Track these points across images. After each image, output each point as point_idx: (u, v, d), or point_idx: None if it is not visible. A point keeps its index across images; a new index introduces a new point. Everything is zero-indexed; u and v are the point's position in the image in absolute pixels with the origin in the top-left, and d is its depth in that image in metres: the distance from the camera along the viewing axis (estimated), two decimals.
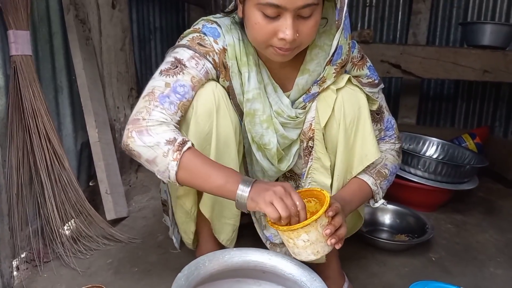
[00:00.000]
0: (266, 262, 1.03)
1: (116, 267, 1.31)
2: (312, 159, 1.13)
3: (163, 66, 1.04)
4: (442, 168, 1.61)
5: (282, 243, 1.23)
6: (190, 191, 1.13)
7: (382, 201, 1.17)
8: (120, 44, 1.74)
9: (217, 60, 1.05)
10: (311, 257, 0.93)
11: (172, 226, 1.34)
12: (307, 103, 1.12)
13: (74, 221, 1.43)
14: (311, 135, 1.12)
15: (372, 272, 1.33)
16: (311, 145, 1.12)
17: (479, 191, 1.86)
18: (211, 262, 0.99)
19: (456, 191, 1.68)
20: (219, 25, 1.06)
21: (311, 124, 1.12)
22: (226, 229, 1.18)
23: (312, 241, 0.91)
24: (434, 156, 1.86)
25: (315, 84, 1.09)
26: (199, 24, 1.08)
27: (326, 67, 1.06)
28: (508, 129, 2.82)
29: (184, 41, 1.06)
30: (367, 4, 2.87)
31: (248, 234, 1.37)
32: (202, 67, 1.04)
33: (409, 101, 2.74)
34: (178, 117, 1.01)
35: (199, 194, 1.15)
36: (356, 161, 1.11)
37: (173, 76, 1.01)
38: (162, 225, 1.46)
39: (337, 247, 0.94)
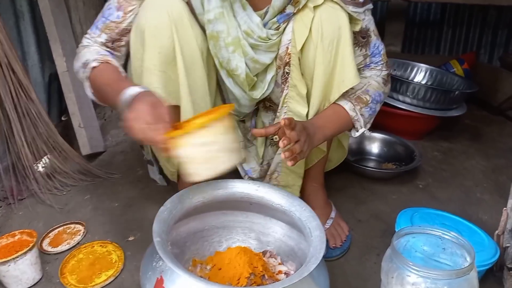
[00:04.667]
0: (253, 193, 0.98)
1: (95, 203, 1.26)
2: (288, 86, 1.04)
3: None
4: (432, 94, 1.56)
5: (261, 178, 1.18)
6: None
7: (363, 129, 1.08)
8: None
9: None
10: (214, 169, 0.81)
11: (153, 164, 1.27)
12: (281, 24, 1.01)
13: (48, 157, 1.35)
14: (288, 60, 1.02)
15: (360, 200, 1.32)
16: (287, 71, 1.03)
17: (465, 117, 1.83)
18: (195, 194, 0.93)
19: (443, 118, 1.64)
20: None
21: (287, 47, 1.02)
22: None
23: (216, 146, 0.80)
24: (423, 83, 1.80)
25: (290, 3, 0.99)
26: None
27: None
28: (493, 55, 2.77)
29: None
30: None
31: None
32: None
33: (394, 28, 2.63)
34: (102, 39, 1.02)
35: None
36: (334, 87, 1.02)
37: (106, 2, 1.02)
38: (141, 160, 1.38)
39: (289, 164, 0.88)
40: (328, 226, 1.14)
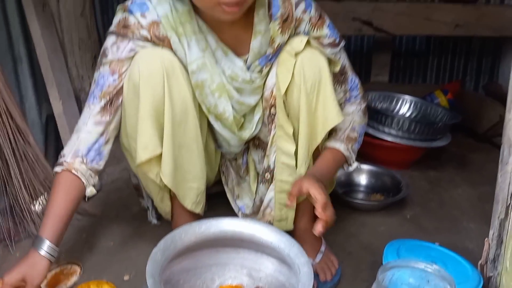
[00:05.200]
0: (244, 231, 1.02)
1: (91, 242, 1.28)
2: (274, 127, 1.11)
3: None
4: (415, 126, 1.62)
5: (254, 214, 1.22)
6: (152, 160, 1.08)
7: (355, 164, 1.18)
8: (80, 9, 1.64)
9: (147, 35, 1.01)
10: None
11: (148, 206, 1.31)
12: (264, 67, 1.09)
13: (44, 198, 1.38)
14: (273, 102, 1.10)
15: (349, 233, 1.35)
16: (273, 112, 1.10)
17: (452, 146, 1.88)
18: (187, 234, 0.97)
19: (428, 148, 1.69)
20: None
21: (272, 90, 1.09)
22: (190, 193, 1.15)
23: None
24: (408, 114, 1.86)
25: (267, 45, 1.07)
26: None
27: (270, 24, 1.05)
28: (479, 83, 2.85)
29: (112, 27, 1.04)
30: None
31: (220, 202, 1.35)
32: (124, 49, 1.02)
33: (381, 59, 2.71)
34: (102, 104, 1.04)
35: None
36: (319, 126, 1.09)
37: (97, 70, 1.05)
38: (136, 197, 1.42)
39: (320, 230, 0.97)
40: (318, 260, 1.17)
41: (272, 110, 1.10)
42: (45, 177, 1.36)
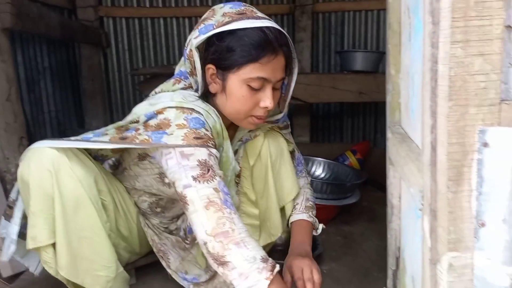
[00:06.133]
0: None
1: None
2: (238, 193, 1.31)
3: (193, 172, 1.03)
4: (327, 187, 1.80)
5: (207, 281, 1.28)
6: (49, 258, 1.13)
7: (321, 226, 1.40)
8: (6, 95, 1.70)
9: (214, 143, 1.09)
10: None
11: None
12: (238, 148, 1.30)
13: None
14: (239, 173, 1.30)
15: None
16: (237, 181, 1.30)
17: (364, 201, 2.09)
18: None
19: (340, 206, 1.87)
20: (197, 112, 1.09)
21: (239, 162, 1.29)
22: (99, 280, 1.17)
23: None
24: (322, 175, 2.06)
25: (248, 133, 1.28)
26: (177, 117, 1.07)
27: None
28: None
29: (178, 140, 1.04)
30: None
31: (155, 271, 1.42)
32: (215, 157, 1.08)
33: (301, 121, 2.96)
34: None
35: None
36: (285, 193, 1.34)
37: (213, 180, 1.04)
38: None
39: None
40: None
41: (236, 179, 1.29)
42: None
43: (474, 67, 0.58)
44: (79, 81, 2.92)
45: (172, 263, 1.32)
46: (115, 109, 3.09)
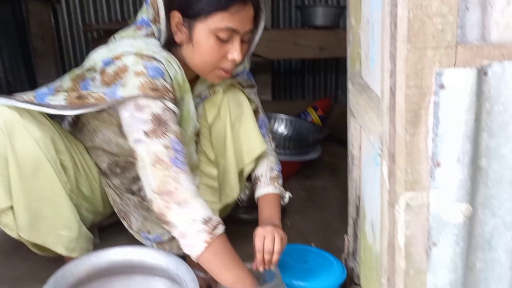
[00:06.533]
0: (134, 258, 1.10)
1: None
2: (197, 152, 1.25)
3: (145, 126, 0.99)
4: (290, 143, 1.82)
5: (170, 240, 1.27)
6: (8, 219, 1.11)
7: (288, 195, 1.34)
8: None
9: (172, 96, 1.05)
10: None
11: None
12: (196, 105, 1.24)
13: None
14: (198, 131, 1.24)
15: (237, 245, 1.47)
16: (196, 140, 1.25)
17: (325, 156, 2.13)
18: (78, 268, 1.02)
19: (303, 161, 1.90)
20: (158, 60, 1.03)
21: (198, 121, 1.23)
22: (61, 240, 1.16)
23: None
24: (285, 132, 2.07)
25: (207, 89, 1.22)
26: (135, 63, 1.02)
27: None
28: None
29: (134, 91, 0.99)
30: None
31: (119, 231, 1.41)
32: (171, 112, 1.03)
33: (263, 79, 2.93)
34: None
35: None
36: (245, 154, 1.28)
37: (164, 137, 1.00)
38: None
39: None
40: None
41: (196, 138, 1.24)
42: None
43: (432, 9, 0.58)
44: (28, 40, 2.77)
45: (134, 223, 1.31)
46: (68, 68, 2.96)
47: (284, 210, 1.68)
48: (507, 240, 0.65)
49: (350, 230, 1.28)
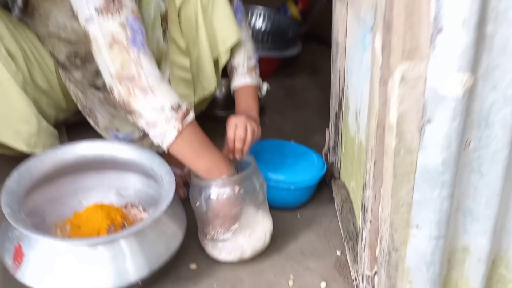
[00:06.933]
0: (104, 153, 1.04)
1: None
2: (166, 40, 1.14)
3: (95, 2, 0.87)
4: (268, 37, 1.71)
5: (141, 138, 1.19)
6: None
7: (265, 86, 1.26)
8: None
9: None
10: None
11: None
12: None
13: None
14: (164, 15, 1.11)
15: (214, 144, 1.43)
16: (164, 27, 1.13)
17: (306, 54, 2.03)
18: (42, 162, 0.96)
19: (282, 58, 1.81)
20: None
21: (165, 6, 1.10)
22: (21, 136, 1.08)
23: None
24: (263, 27, 1.93)
25: None
26: None
27: None
28: None
29: None
30: None
31: (88, 129, 1.33)
32: None
33: None
34: None
35: None
36: (219, 42, 1.16)
37: (119, 14, 0.89)
38: None
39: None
40: (187, 170, 1.23)
41: (164, 25, 1.12)
42: None
43: None
44: None
45: (101, 121, 1.21)
46: None
47: (263, 109, 1.61)
48: (505, 116, 0.60)
49: (331, 124, 1.24)
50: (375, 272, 0.77)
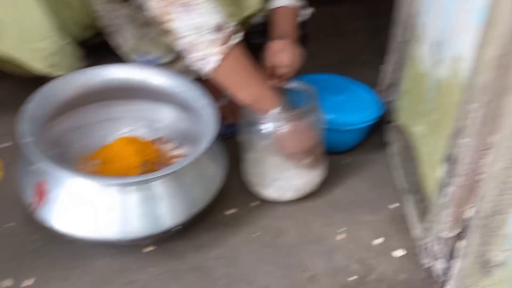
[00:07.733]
0: (134, 78, 0.90)
1: None
2: None
3: None
4: None
5: (171, 63, 1.07)
6: None
7: (309, 10, 1.18)
8: None
9: None
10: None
11: None
12: None
13: None
14: None
15: None
16: None
17: None
18: (65, 86, 0.82)
19: None
20: None
21: None
22: (38, 55, 0.95)
23: None
24: None
25: None
26: None
27: None
28: None
29: None
30: None
31: (112, 53, 1.18)
32: None
33: None
34: None
35: None
36: None
37: None
38: None
39: None
40: (222, 104, 1.11)
41: None
42: None
43: None
44: None
45: (128, 40, 1.07)
46: None
47: (306, 38, 1.44)
48: None
49: (391, 57, 1.07)
50: (459, 234, 0.65)
